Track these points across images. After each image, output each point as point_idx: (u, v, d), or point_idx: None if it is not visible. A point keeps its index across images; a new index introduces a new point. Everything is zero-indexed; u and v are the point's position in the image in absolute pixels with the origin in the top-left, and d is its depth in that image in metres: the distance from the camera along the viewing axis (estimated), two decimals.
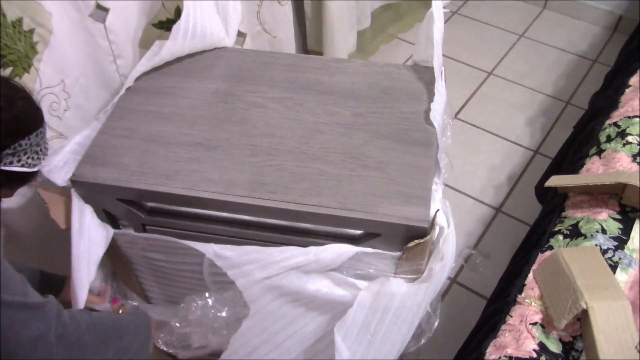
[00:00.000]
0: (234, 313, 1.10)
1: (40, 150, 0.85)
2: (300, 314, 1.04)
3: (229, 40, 1.27)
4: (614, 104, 1.38)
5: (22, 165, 0.82)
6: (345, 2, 1.88)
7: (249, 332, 1.06)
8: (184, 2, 1.11)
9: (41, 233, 1.29)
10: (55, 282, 1.07)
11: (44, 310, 0.78)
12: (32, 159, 0.84)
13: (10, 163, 0.80)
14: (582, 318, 0.90)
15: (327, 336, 1.02)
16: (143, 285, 1.24)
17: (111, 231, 1.05)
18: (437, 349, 1.48)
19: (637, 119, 1.26)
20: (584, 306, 0.86)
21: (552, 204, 1.24)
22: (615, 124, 1.28)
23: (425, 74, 1.16)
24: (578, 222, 1.09)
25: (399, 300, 0.93)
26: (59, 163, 1.01)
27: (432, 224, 0.93)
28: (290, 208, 0.93)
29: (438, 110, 1.06)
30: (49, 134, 1.12)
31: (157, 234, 1.06)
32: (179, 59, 1.19)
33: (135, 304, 1.14)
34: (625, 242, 1.04)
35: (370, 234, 0.95)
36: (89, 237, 0.99)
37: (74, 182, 0.98)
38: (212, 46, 1.22)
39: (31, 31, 1.01)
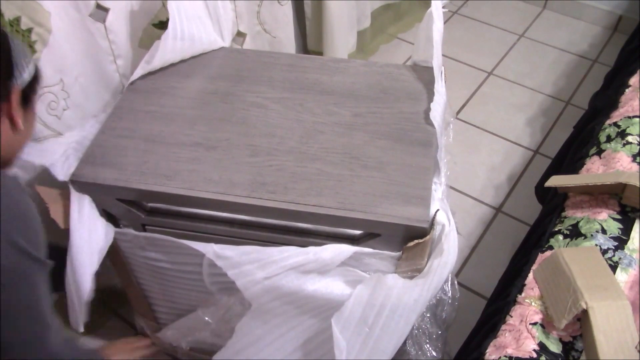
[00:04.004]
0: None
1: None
2: (300, 312, 1.04)
3: (224, 42, 1.26)
4: (614, 104, 1.37)
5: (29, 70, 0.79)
6: (345, 2, 1.88)
7: (252, 322, 1.07)
8: (169, 8, 1.10)
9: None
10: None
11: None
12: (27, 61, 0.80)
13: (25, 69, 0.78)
14: (582, 318, 0.90)
15: (327, 329, 1.02)
16: (142, 286, 1.24)
17: (112, 230, 1.05)
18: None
19: (637, 119, 1.26)
20: (584, 306, 0.86)
21: (552, 204, 1.24)
22: (615, 124, 1.28)
23: (425, 74, 1.16)
24: (578, 222, 1.09)
25: (395, 295, 0.93)
26: (61, 158, 1.01)
27: (432, 224, 0.93)
28: (290, 208, 0.93)
29: (438, 110, 1.06)
30: (46, 132, 1.13)
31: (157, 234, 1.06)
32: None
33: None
34: (625, 242, 1.04)
35: (370, 234, 0.95)
36: (89, 227, 0.99)
37: (74, 182, 0.98)
38: (204, 50, 1.21)
39: (29, 30, 1.00)
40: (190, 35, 1.15)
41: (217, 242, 1.00)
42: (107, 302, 1.55)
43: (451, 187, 1.92)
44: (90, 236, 1.00)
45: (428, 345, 1.15)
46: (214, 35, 1.23)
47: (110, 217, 1.05)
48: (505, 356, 0.89)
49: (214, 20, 1.24)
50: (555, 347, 0.90)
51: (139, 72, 1.14)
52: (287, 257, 0.96)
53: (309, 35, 1.99)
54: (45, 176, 1.03)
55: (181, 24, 1.12)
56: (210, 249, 1.00)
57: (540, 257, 1.06)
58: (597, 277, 0.92)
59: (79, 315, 1.04)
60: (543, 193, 1.51)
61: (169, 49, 1.13)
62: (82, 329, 1.04)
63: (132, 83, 1.14)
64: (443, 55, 1.15)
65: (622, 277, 0.99)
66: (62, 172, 0.99)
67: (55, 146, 1.04)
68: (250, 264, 0.97)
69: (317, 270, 0.97)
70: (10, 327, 0.74)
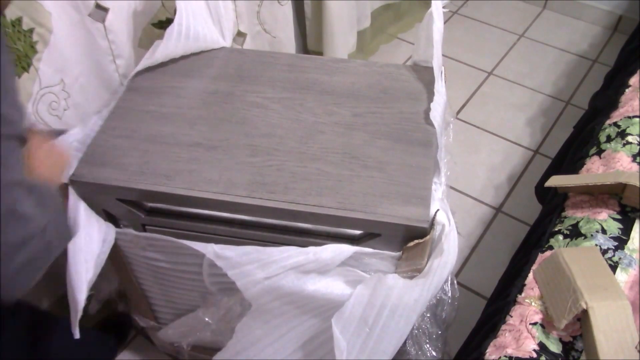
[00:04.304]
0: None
1: None
2: (301, 312, 1.04)
3: (225, 41, 1.27)
4: (614, 104, 1.37)
5: None
6: (345, 2, 1.88)
7: (252, 322, 1.07)
8: (177, 4, 1.11)
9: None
10: None
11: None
12: None
13: None
14: (582, 318, 0.90)
15: (328, 330, 1.02)
16: (142, 286, 1.24)
17: (113, 230, 1.05)
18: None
19: (637, 119, 1.26)
20: (584, 306, 0.86)
21: (552, 204, 1.24)
22: (615, 124, 1.28)
23: (425, 74, 1.16)
24: (578, 222, 1.09)
25: (395, 295, 0.94)
26: None
27: (432, 224, 0.93)
28: (290, 208, 0.93)
29: (438, 110, 1.06)
30: None
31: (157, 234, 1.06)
32: (179, 59, 1.19)
33: None
34: (625, 242, 1.04)
35: (370, 234, 0.95)
36: (85, 234, 0.99)
37: (74, 182, 0.98)
38: (206, 48, 1.22)
39: (31, 30, 1.01)
40: (195, 34, 1.15)
41: (217, 242, 1.00)
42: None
43: (451, 187, 1.92)
44: (85, 244, 0.99)
45: (428, 345, 1.15)
46: (216, 35, 1.23)
47: (110, 217, 1.05)
48: (505, 356, 0.89)
49: (215, 20, 1.24)
50: (555, 347, 0.90)
51: (140, 67, 1.14)
52: (287, 257, 0.96)
53: (309, 35, 1.99)
54: None
55: (187, 21, 1.13)
56: (210, 249, 1.00)
57: (540, 257, 1.06)
58: (597, 277, 0.92)
59: (75, 321, 1.03)
60: (543, 193, 1.51)
61: (172, 45, 1.13)
62: (77, 336, 1.03)
63: (133, 79, 1.14)
64: (443, 55, 1.15)
65: (622, 277, 0.99)
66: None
67: None
68: (250, 264, 0.97)
69: (318, 270, 0.97)
70: None
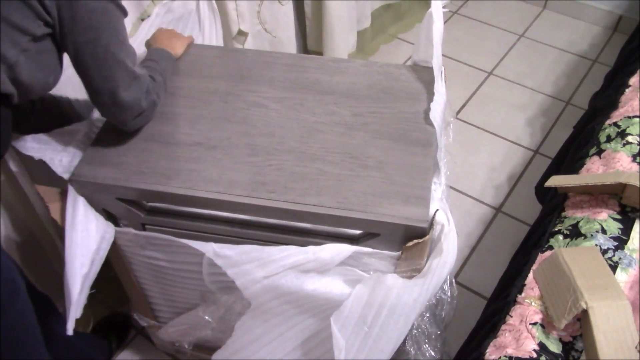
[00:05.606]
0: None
1: None
2: (300, 311, 1.04)
3: (219, 40, 1.27)
4: (614, 104, 1.37)
5: None
6: (346, 2, 1.88)
7: (251, 321, 1.07)
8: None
9: (40, 232, 1.29)
10: None
11: (140, 81, 0.94)
12: None
13: None
14: (582, 318, 0.90)
15: (326, 329, 1.02)
16: (142, 285, 1.24)
17: (112, 228, 1.05)
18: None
19: (637, 119, 1.26)
20: (584, 306, 0.86)
21: (552, 204, 1.24)
22: (615, 124, 1.28)
23: (425, 74, 1.16)
24: (578, 222, 1.09)
25: (394, 295, 0.94)
26: (62, 152, 1.01)
27: (431, 223, 0.93)
28: (290, 208, 0.93)
29: (437, 110, 1.06)
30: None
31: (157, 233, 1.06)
32: (179, 59, 1.19)
33: None
34: (625, 242, 1.04)
35: (370, 233, 0.95)
36: (82, 230, 0.99)
37: (73, 181, 0.98)
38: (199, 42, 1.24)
39: None
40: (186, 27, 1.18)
41: (216, 241, 1.00)
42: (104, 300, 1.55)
43: (451, 187, 1.92)
44: (82, 239, 0.99)
45: (427, 345, 1.15)
46: (212, 32, 1.24)
47: (110, 216, 1.05)
48: (505, 356, 0.89)
49: (213, 18, 1.24)
50: (555, 347, 0.90)
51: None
52: (286, 256, 0.96)
53: (309, 35, 1.99)
54: (46, 172, 1.03)
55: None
56: (209, 248, 1.00)
57: (540, 257, 1.06)
58: (597, 277, 0.92)
59: (69, 318, 1.00)
60: (543, 193, 1.51)
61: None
62: (71, 332, 1.00)
63: None
64: (443, 55, 1.15)
65: (622, 277, 0.99)
66: (62, 167, 0.99)
67: (59, 139, 1.03)
68: (249, 263, 0.97)
69: (317, 270, 0.97)
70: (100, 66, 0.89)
